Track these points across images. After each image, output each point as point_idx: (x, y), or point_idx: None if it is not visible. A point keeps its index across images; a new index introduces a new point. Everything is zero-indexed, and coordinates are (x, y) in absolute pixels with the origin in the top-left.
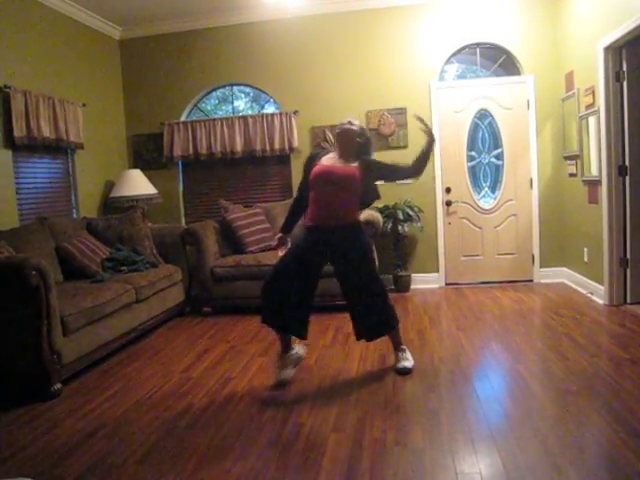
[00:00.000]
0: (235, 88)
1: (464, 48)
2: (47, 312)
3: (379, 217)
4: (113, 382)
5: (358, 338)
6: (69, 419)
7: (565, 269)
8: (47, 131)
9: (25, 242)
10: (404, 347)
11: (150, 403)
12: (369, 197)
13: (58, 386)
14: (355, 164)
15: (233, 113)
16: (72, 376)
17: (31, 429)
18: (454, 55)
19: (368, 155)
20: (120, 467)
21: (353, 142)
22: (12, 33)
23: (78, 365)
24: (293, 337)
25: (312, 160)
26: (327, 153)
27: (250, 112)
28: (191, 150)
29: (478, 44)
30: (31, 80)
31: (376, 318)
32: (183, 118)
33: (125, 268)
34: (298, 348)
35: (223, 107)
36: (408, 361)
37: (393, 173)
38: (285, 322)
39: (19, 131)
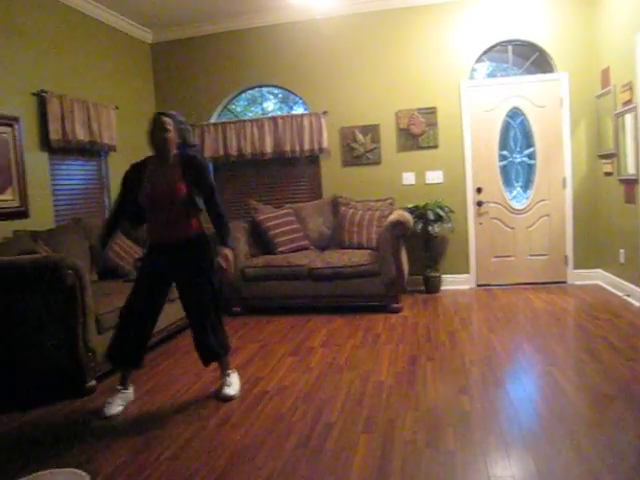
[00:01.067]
0: (264, 89)
1: (495, 46)
2: (82, 310)
3: (409, 217)
4: (146, 380)
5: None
6: None
7: (600, 270)
8: (82, 134)
9: (61, 242)
10: (229, 372)
11: (182, 401)
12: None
13: (93, 383)
14: (177, 168)
15: (262, 114)
16: (106, 374)
17: (68, 424)
18: (485, 53)
19: (190, 144)
20: (153, 463)
21: (168, 139)
22: (47, 39)
23: None
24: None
25: (136, 172)
26: (146, 160)
27: (279, 113)
28: (221, 151)
29: (510, 41)
30: (66, 84)
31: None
32: (213, 119)
33: None
34: (132, 389)
35: (252, 108)
36: (231, 387)
37: (209, 191)
38: (128, 357)
39: (55, 134)
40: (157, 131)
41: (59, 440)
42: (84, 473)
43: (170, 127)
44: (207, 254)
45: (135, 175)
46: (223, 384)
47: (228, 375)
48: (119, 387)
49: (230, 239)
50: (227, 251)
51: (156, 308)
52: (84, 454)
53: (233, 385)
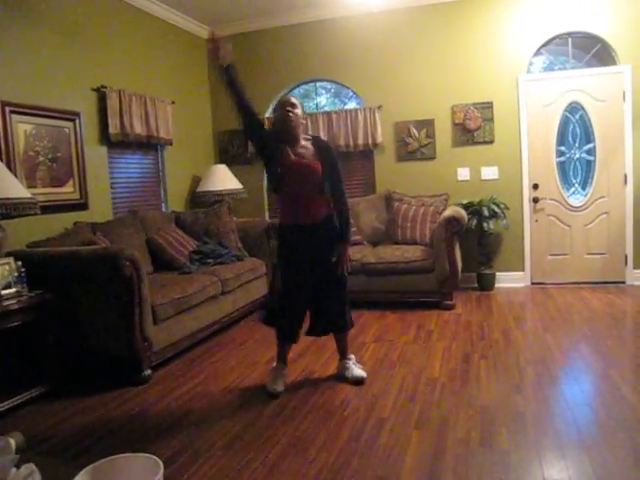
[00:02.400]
0: (317, 84)
1: (554, 38)
2: (139, 301)
3: (463, 214)
4: (199, 371)
5: (311, 333)
6: (159, 404)
7: None
8: (139, 128)
9: (119, 234)
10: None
11: (235, 392)
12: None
13: (148, 372)
14: (312, 149)
15: (316, 109)
16: (161, 363)
17: (124, 411)
18: (544, 46)
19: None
20: (206, 453)
21: (299, 117)
22: (106, 36)
23: (167, 353)
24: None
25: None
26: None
27: (332, 108)
28: None
29: (570, 33)
30: (124, 80)
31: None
32: (267, 114)
33: (212, 261)
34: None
35: (305, 103)
36: (361, 368)
37: (338, 181)
38: (296, 333)
39: (114, 128)
40: (289, 108)
41: (116, 427)
42: (159, 460)
43: (299, 106)
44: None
45: (274, 137)
46: (351, 366)
47: (351, 357)
48: (282, 365)
49: (350, 233)
50: (347, 245)
51: (310, 286)
52: (138, 442)
53: (358, 365)
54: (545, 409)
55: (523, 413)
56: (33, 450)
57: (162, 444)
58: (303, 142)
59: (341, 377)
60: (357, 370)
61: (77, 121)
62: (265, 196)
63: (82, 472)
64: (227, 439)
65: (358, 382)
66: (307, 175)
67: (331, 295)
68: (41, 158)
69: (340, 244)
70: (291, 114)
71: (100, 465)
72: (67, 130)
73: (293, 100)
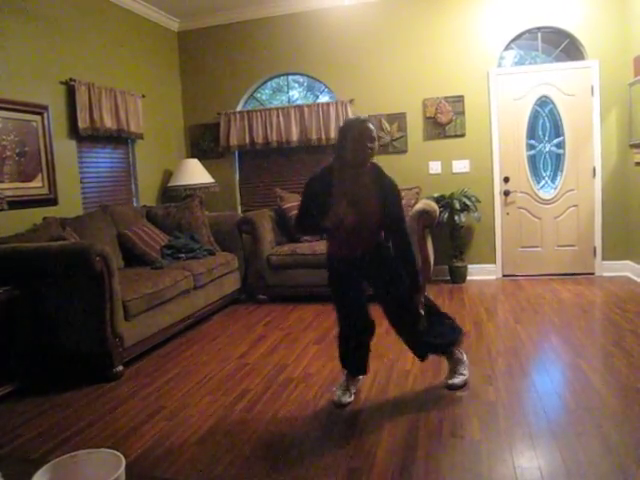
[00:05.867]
0: (289, 78)
1: (524, 33)
2: (110, 297)
3: (435, 207)
4: (172, 366)
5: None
6: (131, 400)
7: (629, 262)
8: (109, 122)
9: (89, 229)
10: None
11: (208, 387)
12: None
13: (120, 368)
14: (375, 189)
15: (288, 103)
16: (133, 359)
17: (95, 408)
18: (514, 40)
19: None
20: (179, 448)
21: (374, 152)
22: (75, 28)
23: (139, 349)
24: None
25: (323, 184)
26: (331, 168)
27: (304, 101)
28: (247, 139)
29: (539, 28)
30: (94, 73)
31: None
32: (239, 108)
33: (183, 255)
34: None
35: (278, 97)
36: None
37: (398, 220)
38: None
39: (83, 122)
40: (370, 144)
41: (87, 423)
42: (120, 454)
43: (377, 137)
44: (391, 255)
45: (322, 188)
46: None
47: (450, 379)
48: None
49: (420, 280)
50: (419, 294)
51: (365, 314)
52: (110, 439)
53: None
54: (516, 399)
55: (494, 403)
56: (2, 449)
57: (135, 440)
58: (367, 178)
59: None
60: (451, 380)
61: (45, 115)
62: (237, 190)
63: (43, 469)
64: (199, 434)
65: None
66: (363, 220)
67: (399, 321)
68: (8, 152)
69: (413, 295)
70: (370, 150)
71: (61, 461)
72: (35, 124)
73: (374, 134)
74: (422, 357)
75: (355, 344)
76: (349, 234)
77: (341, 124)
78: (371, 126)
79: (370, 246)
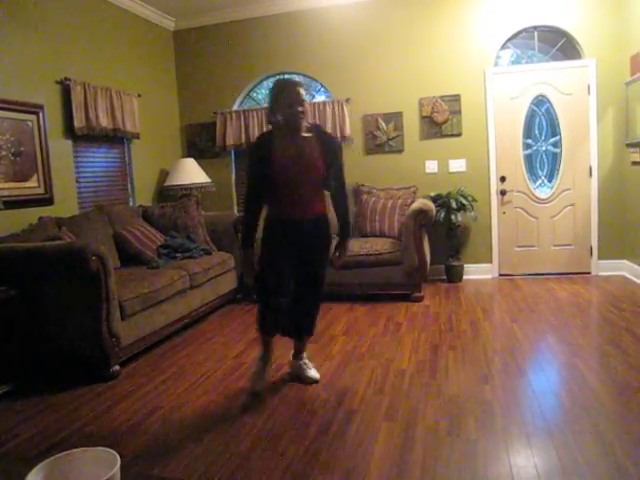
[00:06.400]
0: (286, 77)
1: (521, 32)
2: (106, 296)
3: (431, 206)
4: (168, 366)
5: (286, 333)
6: (127, 400)
7: (626, 261)
8: (105, 121)
9: (85, 229)
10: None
11: (204, 387)
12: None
13: (116, 368)
14: (316, 145)
15: None
16: (129, 359)
17: (92, 408)
18: (510, 39)
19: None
20: (176, 447)
21: (305, 113)
22: (70, 27)
23: (135, 348)
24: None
25: (265, 147)
26: (277, 132)
27: None
28: (243, 139)
29: (536, 27)
30: (89, 72)
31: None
32: (235, 107)
33: (179, 255)
34: (304, 357)
35: None
36: (314, 370)
37: (338, 172)
38: (284, 326)
39: (79, 121)
40: (294, 104)
41: (83, 423)
42: (115, 453)
43: (306, 100)
44: (329, 235)
45: (264, 151)
46: (306, 366)
47: (306, 359)
48: (266, 363)
49: (351, 230)
50: (348, 242)
51: (289, 282)
52: (107, 439)
53: (311, 365)
54: (512, 398)
55: (490, 402)
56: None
57: (131, 439)
58: (304, 133)
59: (296, 377)
60: (312, 371)
61: (41, 114)
62: (234, 189)
63: (37, 467)
64: (196, 433)
65: (313, 383)
66: (305, 173)
67: (309, 297)
68: (3, 152)
69: (342, 242)
70: (301, 115)
71: (56, 460)
72: (30, 123)
73: (303, 96)
74: (312, 332)
75: (275, 306)
76: (293, 192)
77: (271, 85)
78: (302, 90)
79: (312, 212)
